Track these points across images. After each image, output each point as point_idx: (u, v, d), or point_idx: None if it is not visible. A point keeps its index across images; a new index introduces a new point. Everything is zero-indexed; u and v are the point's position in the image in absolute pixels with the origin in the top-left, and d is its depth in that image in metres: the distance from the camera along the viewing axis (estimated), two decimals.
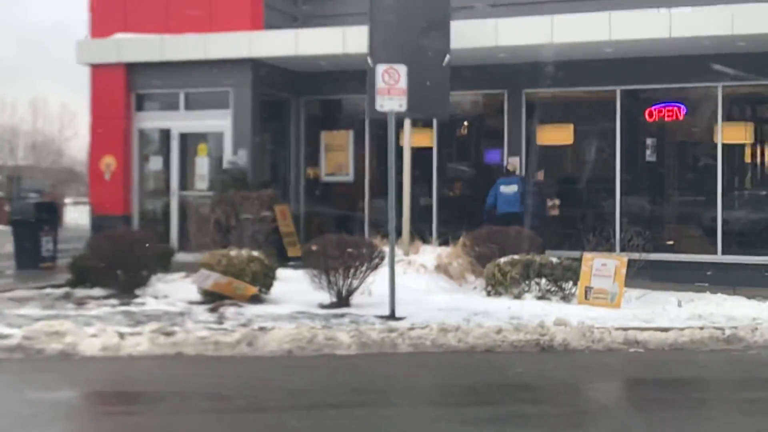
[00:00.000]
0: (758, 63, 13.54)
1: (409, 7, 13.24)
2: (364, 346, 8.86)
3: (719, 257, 13.88)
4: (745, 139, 14.46)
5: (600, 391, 7.94)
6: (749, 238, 14.19)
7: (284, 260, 13.78)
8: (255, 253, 11.51)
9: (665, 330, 9.52)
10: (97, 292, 11.79)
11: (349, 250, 10.94)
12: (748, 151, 14.76)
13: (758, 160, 14.91)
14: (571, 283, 11.34)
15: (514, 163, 14.81)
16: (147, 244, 12.15)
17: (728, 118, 14.21)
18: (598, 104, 15.03)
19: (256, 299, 11.02)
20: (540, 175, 14.31)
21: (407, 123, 13.41)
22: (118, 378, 7.91)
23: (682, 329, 9.55)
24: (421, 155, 15.00)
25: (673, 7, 12.85)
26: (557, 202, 14.73)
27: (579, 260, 11.47)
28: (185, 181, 15.73)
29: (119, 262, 11.81)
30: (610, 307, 10.83)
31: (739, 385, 8.02)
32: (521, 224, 13.55)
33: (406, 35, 12.96)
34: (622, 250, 12.40)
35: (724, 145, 14.10)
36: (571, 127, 15.11)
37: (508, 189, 14.30)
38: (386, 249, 10.80)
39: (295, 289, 11.34)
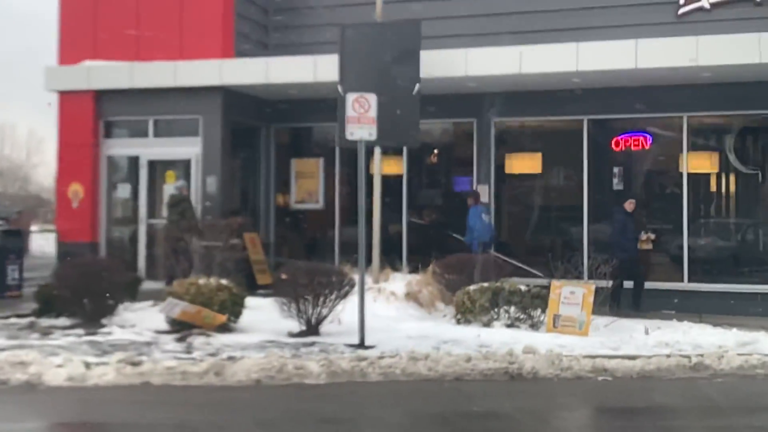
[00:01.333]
0: (723, 93, 13.79)
1: (380, 37, 13.35)
2: (333, 375, 8.83)
3: (685, 285, 14.04)
4: (710, 169, 14.69)
5: (568, 419, 7.97)
6: (715, 265, 14.38)
7: (254, 288, 13.73)
8: (224, 282, 11.44)
9: (633, 358, 9.59)
10: (62, 321, 11.66)
11: (319, 278, 10.93)
12: (713, 180, 15.00)
13: (723, 189, 15.14)
14: (539, 310, 11.40)
15: (484, 190, 14.93)
16: (114, 273, 12.04)
17: (693, 147, 14.44)
18: (566, 133, 15.21)
19: (224, 328, 10.95)
20: (629, 206, 13.53)
21: (377, 151, 13.47)
22: (84, 409, 7.81)
23: (649, 357, 9.62)
24: (391, 183, 15.07)
25: (639, 38, 13.08)
26: (651, 236, 13.75)
27: (547, 288, 11.54)
28: (153, 208, 15.64)
29: (85, 291, 11.69)
30: (578, 335, 10.89)
31: (705, 413, 8.08)
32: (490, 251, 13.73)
33: (376, 64, 13.04)
34: (590, 277, 12.51)
35: (689, 174, 14.31)
36: (540, 155, 15.26)
37: (487, 218, 14.53)
38: (356, 277, 10.80)
39: (265, 317, 11.28)
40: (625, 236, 13.45)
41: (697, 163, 14.43)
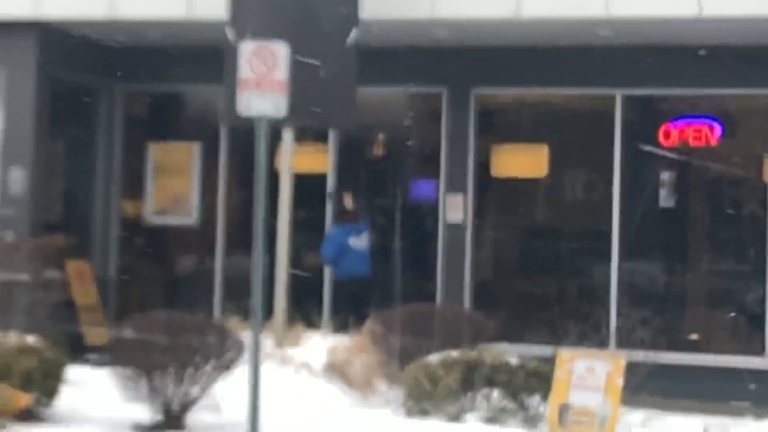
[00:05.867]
0: None
1: None
2: None
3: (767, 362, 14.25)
4: None
5: None
6: None
7: (80, 351, 13.63)
8: (31, 339, 11.33)
9: None
10: None
11: (187, 337, 10.89)
12: None
13: None
14: (538, 397, 11.47)
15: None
16: None
17: None
18: (586, 117, 15.38)
19: (30, 415, 10.82)
20: None
21: (288, 135, 13.45)
22: None
23: None
24: (308, 186, 15.03)
25: None
26: None
27: (551, 361, 11.60)
28: None
29: None
30: None
31: None
32: (369, 295, 14.28)
33: None
34: (620, 346, 12.63)
35: None
36: (545, 149, 15.38)
37: (359, 241, 14.85)
38: (247, 337, 10.75)
39: (97, 398, 11.23)
40: None
41: None
